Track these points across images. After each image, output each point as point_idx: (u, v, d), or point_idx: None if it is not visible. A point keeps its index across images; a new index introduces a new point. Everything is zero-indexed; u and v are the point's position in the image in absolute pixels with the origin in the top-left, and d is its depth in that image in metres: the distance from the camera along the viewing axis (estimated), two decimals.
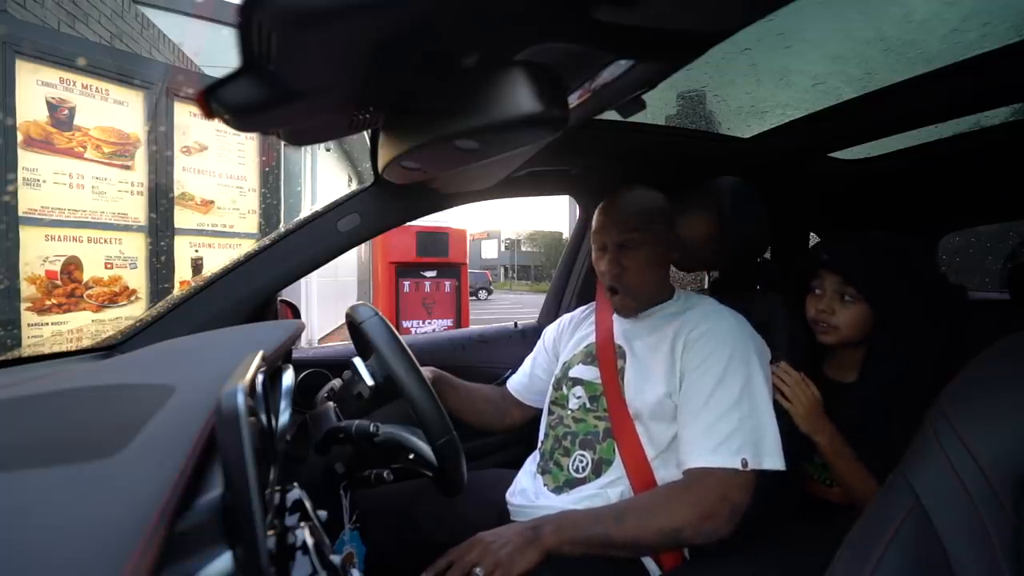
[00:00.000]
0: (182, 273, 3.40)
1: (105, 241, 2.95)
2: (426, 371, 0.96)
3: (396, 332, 0.75)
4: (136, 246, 3.10)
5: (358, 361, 0.77)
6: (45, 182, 2.70)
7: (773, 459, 0.78)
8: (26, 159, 2.62)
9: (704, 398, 0.81)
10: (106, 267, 2.96)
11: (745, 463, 0.75)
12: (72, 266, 2.80)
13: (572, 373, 1.00)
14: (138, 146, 3.08)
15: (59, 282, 2.73)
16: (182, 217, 3.34)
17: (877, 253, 0.94)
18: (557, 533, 0.75)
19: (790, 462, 0.79)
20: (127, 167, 3.04)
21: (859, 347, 0.97)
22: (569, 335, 1.10)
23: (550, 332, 1.16)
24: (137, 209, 3.08)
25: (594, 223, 0.97)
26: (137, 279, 3.16)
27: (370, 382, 0.75)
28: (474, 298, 21.37)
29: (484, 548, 0.73)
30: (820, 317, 0.97)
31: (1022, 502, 0.38)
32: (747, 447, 0.76)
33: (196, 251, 3.53)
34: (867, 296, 0.93)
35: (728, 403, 0.79)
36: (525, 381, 1.15)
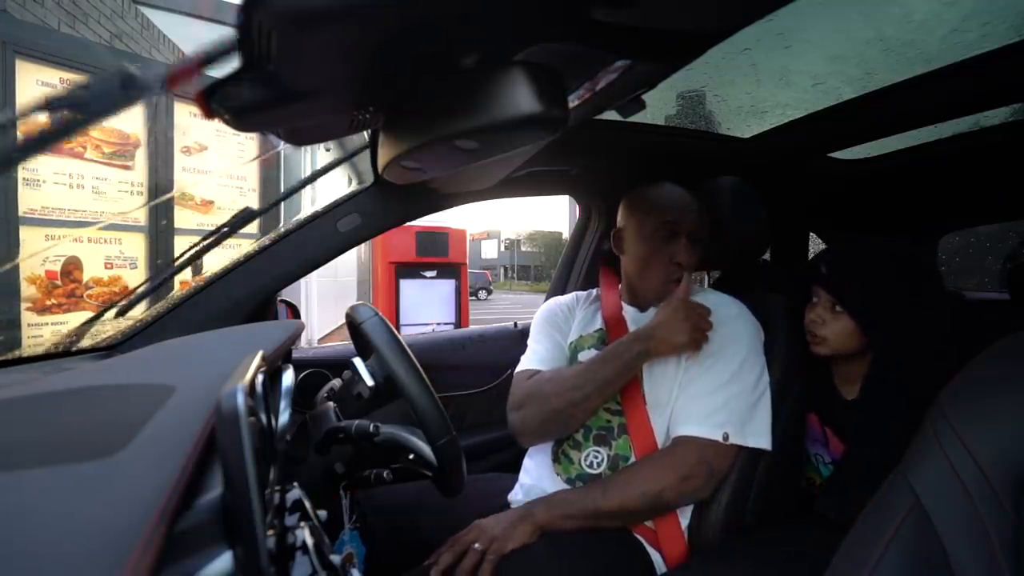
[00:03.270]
0: (182, 273, 3.38)
1: (105, 241, 2.95)
2: None
3: (396, 332, 0.75)
4: (136, 246, 3.10)
5: (358, 361, 0.77)
6: (45, 182, 2.69)
7: (758, 438, 0.81)
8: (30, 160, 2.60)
9: (697, 376, 0.85)
10: (106, 267, 2.97)
11: (727, 436, 0.79)
12: (72, 266, 2.80)
13: (582, 357, 0.97)
14: (138, 146, 3.08)
15: (59, 282, 2.73)
16: (182, 217, 3.34)
17: (870, 268, 0.92)
18: (548, 509, 0.79)
19: (792, 459, 0.79)
20: (127, 167, 3.04)
21: (859, 361, 0.95)
22: (581, 312, 1.06)
23: (557, 317, 1.07)
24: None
25: (646, 207, 0.94)
26: (137, 279, 3.13)
27: (370, 382, 0.75)
28: (474, 298, 21.33)
29: (481, 528, 0.78)
30: (810, 327, 0.96)
31: (1022, 502, 0.38)
32: (731, 423, 0.80)
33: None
34: (851, 312, 0.91)
35: (719, 382, 0.83)
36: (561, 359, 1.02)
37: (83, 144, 2.85)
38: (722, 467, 0.81)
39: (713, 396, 0.82)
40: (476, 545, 0.74)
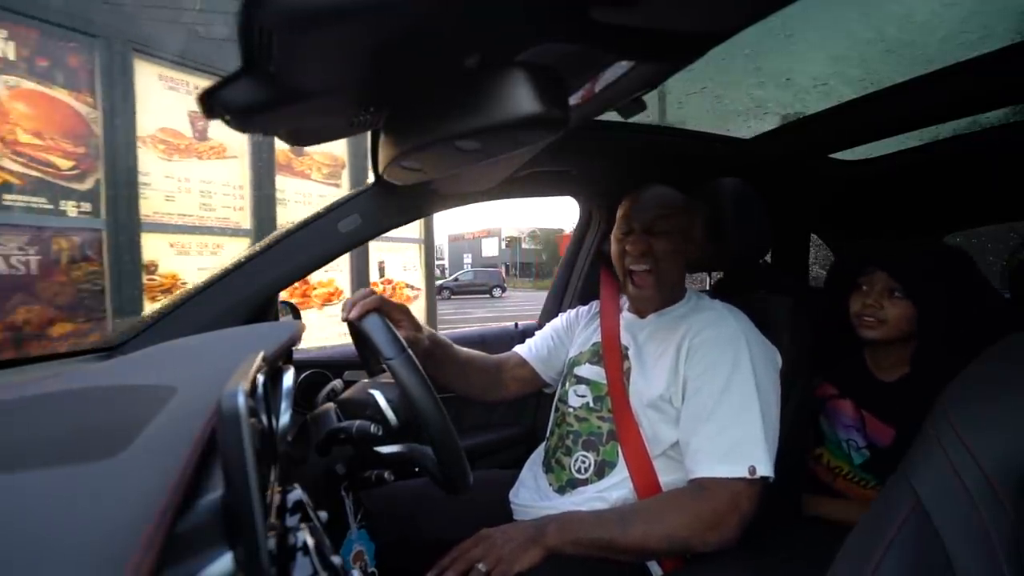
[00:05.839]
0: (372, 275, 4.26)
1: None
2: (426, 332, 0.96)
3: (423, 373, 0.70)
4: None
5: (378, 394, 0.76)
6: (288, 201, 3.61)
7: (770, 467, 0.77)
8: (278, 183, 3.40)
9: (709, 408, 0.80)
10: (324, 271, 3.47)
11: (753, 470, 0.75)
12: None
13: (577, 371, 0.99)
14: (344, 167, 3.81)
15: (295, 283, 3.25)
16: None
17: (926, 256, 0.99)
18: (560, 533, 0.75)
19: (793, 458, 0.79)
20: (337, 185, 3.77)
21: (898, 346, 0.99)
22: (581, 329, 1.09)
23: (565, 318, 1.14)
24: None
25: (620, 211, 0.96)
26: (343, 282, 3.90)
27: (394, 421, 0.74)
28: (488, 296, 21.37)
29: (488, 544, 0.75)
30: (867, 311, 0.98)
31: (1023, 502, 0.38)
32: (755, 454, 0.76)
33: (380, 257, 4.30)
34: (912, 294, 0.95)
35: (733, 413, 0.78)
36: (546, 356, 1.10)
37: (309, 167, 3.61)
38: (751, 511, 0.75)
39: (729, 431, 0.78)
40: (480, 566, 0.71)
